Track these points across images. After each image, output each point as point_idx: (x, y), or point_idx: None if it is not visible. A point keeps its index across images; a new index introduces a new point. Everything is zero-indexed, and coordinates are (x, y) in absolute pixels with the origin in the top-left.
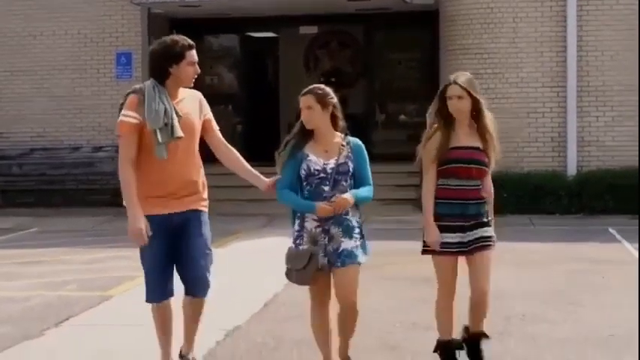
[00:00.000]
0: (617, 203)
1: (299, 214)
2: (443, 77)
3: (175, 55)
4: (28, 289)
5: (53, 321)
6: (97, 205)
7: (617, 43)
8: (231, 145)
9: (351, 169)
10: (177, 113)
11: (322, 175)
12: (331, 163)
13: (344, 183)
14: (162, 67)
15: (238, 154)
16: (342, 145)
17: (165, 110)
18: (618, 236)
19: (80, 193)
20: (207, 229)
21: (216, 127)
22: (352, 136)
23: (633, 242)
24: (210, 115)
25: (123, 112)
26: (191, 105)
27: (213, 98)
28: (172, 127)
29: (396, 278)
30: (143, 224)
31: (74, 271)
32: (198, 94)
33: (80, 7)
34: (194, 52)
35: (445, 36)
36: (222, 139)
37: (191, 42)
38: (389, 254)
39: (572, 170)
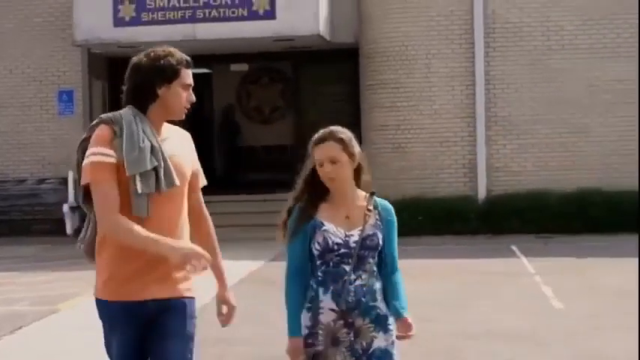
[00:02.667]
0: (523, 224)
1: (310, 302)
2: (363, 110)
3: (166, 72)
4: None
5: (8, 329)
6: (40, 234)
7: (522, 76)
8: None
9: (380, 242)
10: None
11: (343, 250)
12: (355, 235)
13: (370, 260)
14: (147, 86)
15: (213, 231)
16: (369, 210)
17: (153, 148)
18: (518, 253)
19: (25, 223)
20: (191, 326)
21: (200, 184)
22: (281, 168)
23: (531, 257)
24: (199, 167)
25: (91, 149)
26: (180, 147)
27: None
28: (165, 172)
29: None
30: (190, 244)
31: (24, 290)
32: (187, 135)
33: (25, 48)
34: (190, 72)
35: (365, 72)
36: (203, 202)
37: (188, 58)
38: None
39: (482, 194)
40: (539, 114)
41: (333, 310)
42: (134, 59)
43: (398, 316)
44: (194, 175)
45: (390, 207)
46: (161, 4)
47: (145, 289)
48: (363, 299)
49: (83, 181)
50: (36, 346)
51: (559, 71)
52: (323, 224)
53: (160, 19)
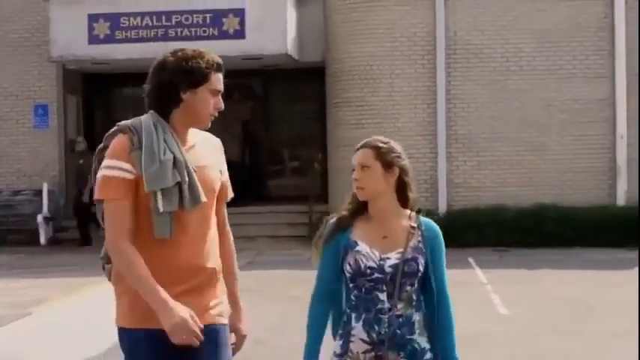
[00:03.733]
0: (481, 238)
1: (342, 327)
2: (329, 127)
3: (194, 75)
4: None
5: None
6: (15, 244)
7: (482, 96)
8: None
9: (421, 268)
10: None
11: (377, 275)
12: (393, 258)
13: (408, 288)
14: (171, 89)
15: (233, 250)
16: (412, 229)
17: (176, 161)
18: (474, 264)
19: (0, 234)
20: (226, 356)
21: (228, 196)
22: (250, 181)
23: (485, 269)
24: (226, 176)
25: (106, 161)
26: (209, 156)
27: None
28: (190, 187)
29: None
30: (187, 312)
31: None
32: (218, 142)
33: (1, 63)
34: (221, 76)
35: (331, 90)
36: (226, 217)
37: (220, 61)
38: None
39: (442, 209)
40: (498, 132)
41: (364, 340)
42: (160, 57)
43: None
44: (223, 187)
45: (437, 227)
46: (135, 23)
47: None
48: (398, 332)
49: (96, 196)
50: (7, 345)
51: (517, 91)
52: (356, 244)
53: (133, 37)
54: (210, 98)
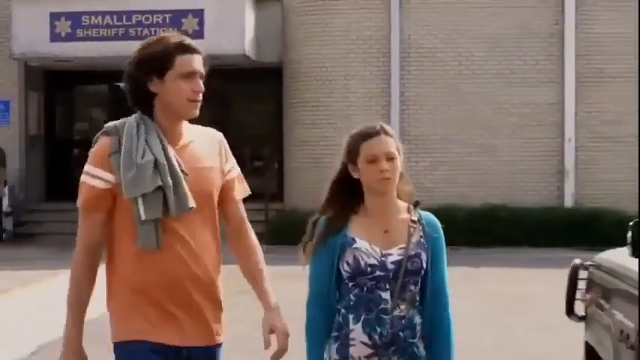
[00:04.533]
0: None
1: (337, 330)
2: (286, 127)
3: (154, 62)
4: None
5: None
6: None
7: (435, 98)
8: None
9: (424, 266)
10: (179, 166)
11: (379, 272)
12: (395, 254)
13: (412, 288)
14: (137, 83)
15: (256, 248)
16: (413, 223)
17: (157, 163)
18: None
19: None
20: None
21: (238, 194)
22: None
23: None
24: (234, 173)
25: (86, 167)
26: (207, 154)
27: (86, 143)
28: (176, 192)
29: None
30: (74, 357)
31: None
32: (218, 135)
33: None
34: (192, 57)
35: (288, 90)
36: (243, 214)
37: (188, 42)
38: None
39: None
40: (450, 134)
41: (365, 343)
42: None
43: None
44: (226, 186)
45: (437, 221)
46: (95, 22)
47: (159, 329)
48: (401, 334)
49: (78, 203)
50: None
51: (469, 94)
52: (354, 241)
53: (94, 35)
54: (183, 83)
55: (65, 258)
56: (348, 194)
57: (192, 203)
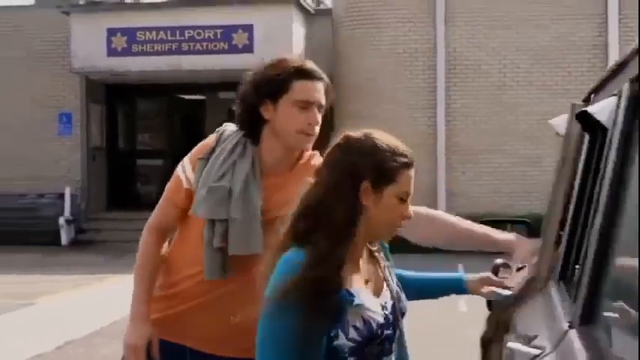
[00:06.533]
0: None
1: None
2: (333, 137)
3: (270, 86)
4: None
5: None
6: (38, 245)
7: (480, 110)
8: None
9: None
10: (259, 203)
11: (387, 332)
12: (387, 299)
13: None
14: (250, 106)
15: (447, 216)
16: (377, 252)
17: (231, 192)
18: (462, 269)
19: (24, 234)
20: None
21: None
22: None
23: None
24: None
25: (185, 158)
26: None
27: (146, 154)
28: (240, 230)
29: None
30: (144, 339)
31: (9, 288)
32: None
33: (29, 73)
34: (312, 84)
35: (337, 102)
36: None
37: (310, 67)
38: None
39: None
40: (495, 144)
41: None
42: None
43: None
44: None
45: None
46: (150, 37)
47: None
48: None
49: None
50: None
51: (514, 105)
52: (355, 296)
53: (148, 50)
54: (297, 112)
55: (118, 264)
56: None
57: (257, 248)
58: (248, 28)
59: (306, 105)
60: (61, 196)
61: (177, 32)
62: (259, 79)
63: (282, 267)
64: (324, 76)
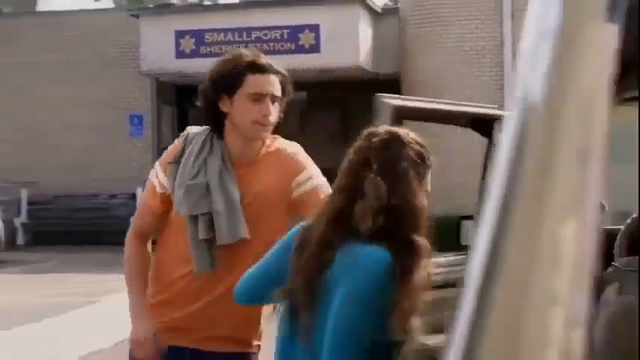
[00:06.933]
0: None
1: None
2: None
3: (225, 81)
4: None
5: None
6: (111, 244)
7: None
8: None
9: None
10: (236, 192)
11: None
12: None
13: None
14: (210, 101)
15: None
16: None
17: (208, 187)
18: None
19: (97, 234)
20: None
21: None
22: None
23: None
24: (313, 184)
25: (156, 164)
26: (274, 172)
27: None
28: (228, 219)
29: None
30: (150, 333)
31: (79, 287)
32: (292, 149)
33: (101, 76)
34: (265, 78)
35: None
36: None
37: (262, 61)
38: None
39: None
40: None
41: None
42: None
43: None
44: (299, 201)
45: None
46: (218, 39)
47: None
48: None
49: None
50: (72, 326)
51: None
52: None
53: (216, 51)
54: (251, 104)
55: None
56: None
57: (243, 234)
58: (314, 28)
59: (259, 97)
60: (133, 196)
61: (245, 33)
62: (215, 75)
63: (373, 266)
64: (279, 69)
